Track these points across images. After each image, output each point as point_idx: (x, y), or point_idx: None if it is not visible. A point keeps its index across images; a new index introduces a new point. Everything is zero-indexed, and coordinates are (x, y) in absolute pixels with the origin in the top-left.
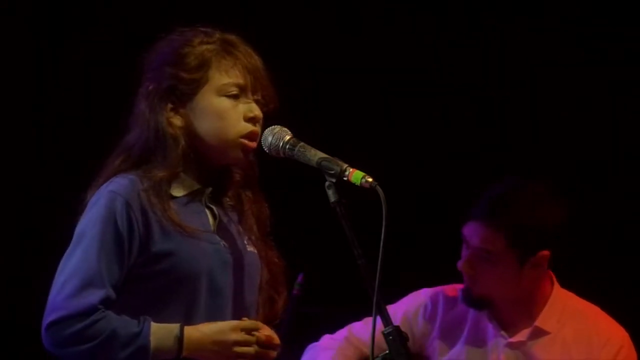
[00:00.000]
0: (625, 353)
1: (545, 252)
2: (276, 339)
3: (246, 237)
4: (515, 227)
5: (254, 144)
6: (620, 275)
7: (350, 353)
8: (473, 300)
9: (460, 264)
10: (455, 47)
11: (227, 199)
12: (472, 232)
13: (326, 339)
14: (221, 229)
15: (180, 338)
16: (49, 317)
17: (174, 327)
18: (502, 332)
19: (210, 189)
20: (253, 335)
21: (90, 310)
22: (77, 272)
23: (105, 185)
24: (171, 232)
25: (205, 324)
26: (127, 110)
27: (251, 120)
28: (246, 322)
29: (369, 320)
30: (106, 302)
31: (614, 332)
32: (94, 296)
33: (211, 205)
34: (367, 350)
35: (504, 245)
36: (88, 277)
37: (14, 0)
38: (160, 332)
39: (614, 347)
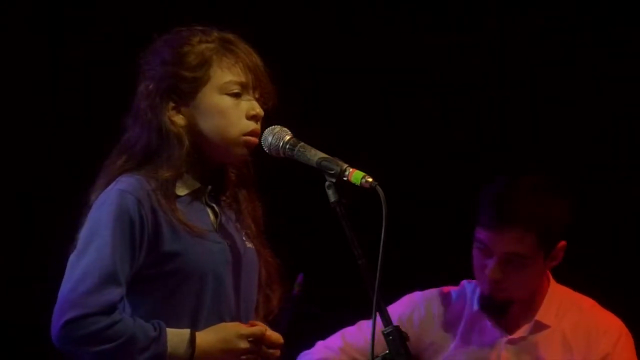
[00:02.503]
0: (624, 342)
1: (563, 243)
2: (280, 339)
3: (244, 234)
4: (542, 224)
5: (256, 140)
6: (619, 274)
7: None
8: (496, 305)
9: (486, 272)
10: (455, 46)
11: (225, 198)
12: (498, 238)
13: (319, 347)
14: (221, 227)
15: (192, 345)
16: (65, 314)
17: (185, 334)
18: (502, 330)
19: (210, 187)
20: (259, 342)
21: (111, 309)
22: (93, 269)
23: (112, 184)
24: (180, 233)
25: (212, 330)
26: (125, 110)
27: (253, 118)
28: (254, 330)
29: (362, 325)
30: (121, 300)
31: (612, 323)
32: (114, 294)
33: (211, 204)
34: (362, 358)
35: (534, 245)
36: (106, 274)
37: (14, 0)
38: (174, 338)
39: (613, 337)
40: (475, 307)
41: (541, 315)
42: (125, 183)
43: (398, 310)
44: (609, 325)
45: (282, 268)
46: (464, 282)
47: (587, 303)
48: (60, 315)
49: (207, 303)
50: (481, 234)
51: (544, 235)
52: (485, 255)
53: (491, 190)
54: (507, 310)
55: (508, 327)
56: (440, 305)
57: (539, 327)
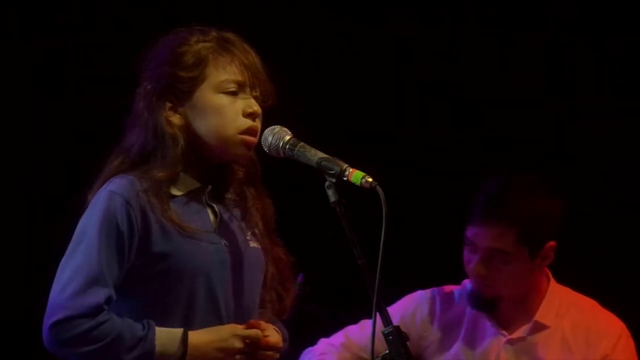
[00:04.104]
0: (624, 342)
1: (552, 243)
2: (279, 342)
3: (249, 233)
4: (524, 222)
5: (254, 139)
6: (617, 273)
7: (349, 359)
8: (483, 302)
9: (470, 268)
10: (455, 45)
11: (229, 196)
12: (480, 233)
13: (323, 343)
14: (222, 227)
15: (184, 344)
16: (52, 316)
17: (177, 333)
18: (501, 330)
19: (210, 187)
20: (255, 344)
21: (96, 310)
22: (80, 271)
23: (104, 185)
24: (171, 233)
25: (207, 330)
26: (126, 111)
27: (250, 115)
28: (249, 332)
29: (364, 323)
30: (109, 302)
31: (612, 323)
32: (99, 295)
33: (212, 203)
34: (364, 355)
35: (515, 242)
36: (92, 276)
37: (15, 1)
38: (164, 337)
39: (613, 337)
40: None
41: (541, 315)
42: (115, 184)
43: (401, 308)
44: (609, 326)
45: (295, 266)
46: (466, 281)
47: (587, 303)
48: (48, 318)
49: (201, 303)
50: (468, 229)
51: (526, 232)
52: (471, 251)
53: (484, 189)
54: (495, 306)
55: (507, 327)
56: (443, 304)
57: (539, 327)
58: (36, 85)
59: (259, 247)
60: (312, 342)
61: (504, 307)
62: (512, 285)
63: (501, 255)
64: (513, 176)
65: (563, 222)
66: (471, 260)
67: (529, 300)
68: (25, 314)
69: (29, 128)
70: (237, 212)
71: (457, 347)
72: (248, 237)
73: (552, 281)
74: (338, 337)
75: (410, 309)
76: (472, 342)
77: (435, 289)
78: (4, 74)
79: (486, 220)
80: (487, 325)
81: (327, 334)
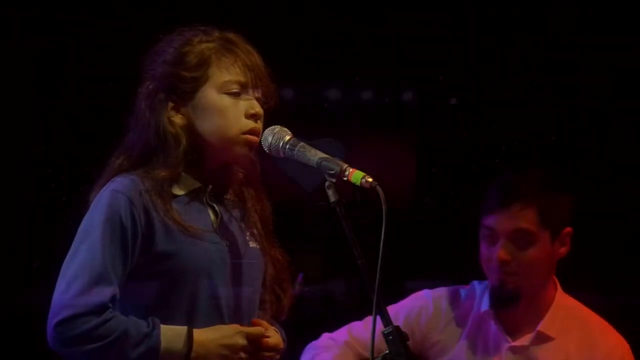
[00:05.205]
0: None
1: (569, 229)
2: (280, 343)
3: (248, 234)
4: (542, 200)
5: (256, 139)
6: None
7: (351, 357)
8: (506, 296)
9: (492, 259)
10: (455, 45)
11: (229, 196)
12: (501, 218)
13: (326, 338)
14: (222, 227)
15: (189, 341)
16: (57, 315)
17: (182, 330)
18: (505, 335)
19: (211, 187)
20: (256, 342)
21: (101, 308)
22: (83, 270)
23: (107, 185)
24: (174, 232)
25: (212, 328)
26: (128, 110)
27: (252, 117)
28: (251, 329)
29: (368, 321)
30: (113, 300)
31: (616, 343)
32: (104, 294)
33: (212, 204)
34: (367, 354)
35: (538, 221)
36: (96, 275)
37: (15, 1)
38: (169, 334)
39: (616, 358)
40: (484, 308)
41: (545, 326)
42: (118, 183)
43: (406, 307)
44: (613, 346)
45: (292, 266)
46: (475, 282)
47: (593, 319)
48: (52, 316)
49: (203, 303)
50: (487, 219)
51: (546, 210)
52: (491, 242)
53: (497, 181)
54: (516, 302)
55: (512, 333)
56: (449, 304)
57: (542, 338)
58: (36, 85)
59: (258, 247)
60: (311, 342)
61: (520, 304)
62: (535, 273)
63: (525, 236)
64: (527, 169)
65: (575, 212)
66: (491, 253)
67: (536, 307)
68: (26, 314)
69: (29, 128)
70: (236, 212)
71: (461, 348)
72: (247, 238)
73: (560, 290)
74: (342, 334)
75: (415, 308)
76: (476, 344)
77: (442, 288)
78: (4, 74)
79: (506, 202)
80: (492, 328)
81: (327, 331)
